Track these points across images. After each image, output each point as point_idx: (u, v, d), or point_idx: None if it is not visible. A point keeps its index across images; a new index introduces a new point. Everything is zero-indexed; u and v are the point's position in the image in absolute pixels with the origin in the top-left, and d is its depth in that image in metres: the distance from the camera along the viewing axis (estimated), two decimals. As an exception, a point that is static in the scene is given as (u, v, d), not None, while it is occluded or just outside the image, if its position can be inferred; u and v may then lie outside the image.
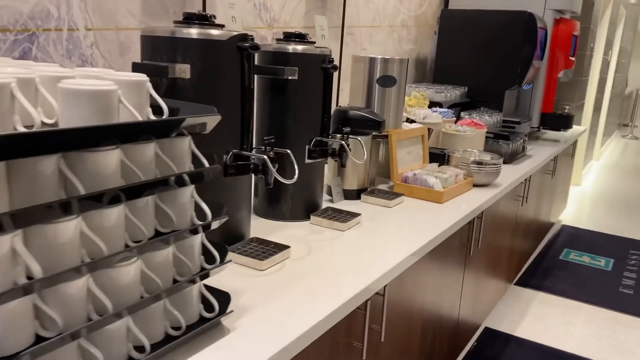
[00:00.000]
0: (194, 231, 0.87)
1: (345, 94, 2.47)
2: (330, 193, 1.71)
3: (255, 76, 1.44)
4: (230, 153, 1.14)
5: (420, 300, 1.57)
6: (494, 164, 2.01)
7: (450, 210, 1.71)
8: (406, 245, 1.35)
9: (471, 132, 2.32)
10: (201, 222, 0.89)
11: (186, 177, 0.84)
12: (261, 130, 1.45)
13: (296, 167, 1.16)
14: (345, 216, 1.50)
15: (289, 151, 1.20)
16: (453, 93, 2.82)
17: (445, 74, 3.12)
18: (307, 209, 1.49)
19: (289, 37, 1.41)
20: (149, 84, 0.85)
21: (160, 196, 0.84)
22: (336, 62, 2.44)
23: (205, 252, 0.92)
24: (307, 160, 1.44)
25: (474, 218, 1.85)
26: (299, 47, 1.38)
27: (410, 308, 1.51)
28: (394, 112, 1.90)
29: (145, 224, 0.81)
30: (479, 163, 1.99)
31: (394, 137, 1.84)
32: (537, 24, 2.81)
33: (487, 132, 2.52)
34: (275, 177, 1.12)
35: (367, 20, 2.64)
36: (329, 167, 1.75)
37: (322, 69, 1.41)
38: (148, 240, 0.80)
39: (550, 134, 3.65)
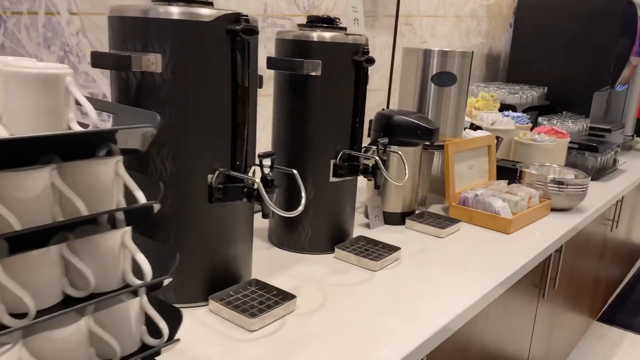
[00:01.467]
0: (133, 293, 0.60)
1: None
2: (367, 215, 1.39)
3: (273, 72, 1.16)
4: (217, 172, 0.86)
5: (476, 354, 1.22)
6: (579, 185, 1.61)
7: (521, 243, 1.34)
8: (459, 297, 1.02)
9: (550, 142, 1.92)
10: (139, 282, 0.61)
11: (119, 216, 0.57)
12: (277, 140, 1.16)
13: (303, 193, 0.86)
14: (381, 250, 1.18)
15: (294, 171, 0.90)
16: (530, 94, 2.40)
17: (521, 73, 2.70)
18: (332, 238, 1.19)
19: (314, 22, 1.11)
20: (69, 79, 0.58)
21: (70, 245, 0.57)
22: (388, 56, 2.12)
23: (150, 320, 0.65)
24: (332, 179, 1.14)
25: (551, 253, 1.47)
26: (326, 35, 1.08)
27: (462, 371, 1.17)
28: (453, 117, 1.55)
29: (38, 287, 0.54)
30: (560, 183, 1.60)
31: (451, 148, 1.50)
32: (638, 12, 2.34)
33: (571, 142, 2.10)
34: (273, 209, 0.83)
35: (428, 9, 2.29)
36: (367, 184, 1.44)
37: (353, 62, 1.10)
38: (38, 313, 0.53)
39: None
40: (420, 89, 1.53)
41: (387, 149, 1.19)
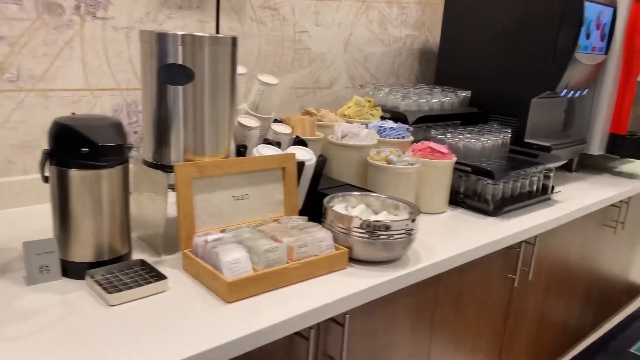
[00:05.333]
0: None
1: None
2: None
3: None
4: None
5: None
6: (390, 231, 1.12)
7: (245, 317, 0.90)
8: None
9: (409, 164, 1.43)
10: None
11: None
12: None
13: None
14: (-49, 328, 0.78)
15: None
16: (439, 100, 1.89)
17: (449, 73, 2.18)
18: None
19: None
20: None
21: None
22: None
23: None
24: None
25: (313, 325, 1.00)
26: None
27: None
28: (211, 128, 1.12)
29: None
30: (374, 227, 1.12)
31: (184, 171, 1.06)
32: (584, -5, 1.78)
33: (463, 165, 1.59)
34: None
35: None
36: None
37: None
38: None
39: (634, 165, 2.49)
40: (158, 89, 1.10)
41: None
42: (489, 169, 1.54)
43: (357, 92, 2.12)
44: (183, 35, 1.07)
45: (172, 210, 1.12)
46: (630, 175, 2.29)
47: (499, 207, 1.57)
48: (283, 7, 1.79)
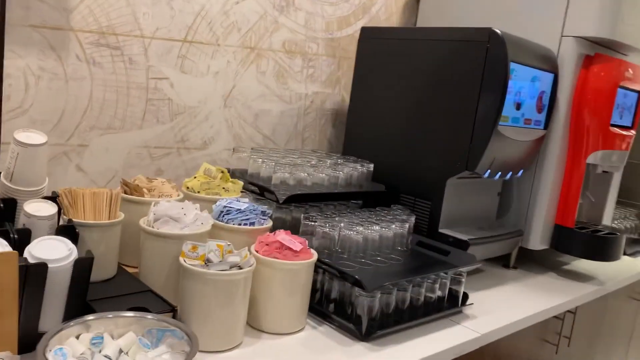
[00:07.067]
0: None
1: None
2: None
3: None
4: None
5: None
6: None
7: None
8: None
9: (233, 266, 1.00)
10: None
11: None
12: None
13: None
14: None
15: None
16: (330, 175, 1.49)
17: (358, 140, 1.80)
18: None
19: None
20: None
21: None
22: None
23: None
24: None
25: None
26: None
27: None
28: None
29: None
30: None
31: None
32: (508, 54, 1.41)
33: (328, 267, 1.17)
34: None
35: (166, 27, 1.46)
36: None
37: None
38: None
39: (588, 262, 2.07)
40: None
41: None
42: (357, 276, 1.11)
43: (235, 155, 1.72)
44: None
45: None
46: (581, 277, 1.87)
47: (375, 328, 1.13)
48: (129, 47, 1.41)
